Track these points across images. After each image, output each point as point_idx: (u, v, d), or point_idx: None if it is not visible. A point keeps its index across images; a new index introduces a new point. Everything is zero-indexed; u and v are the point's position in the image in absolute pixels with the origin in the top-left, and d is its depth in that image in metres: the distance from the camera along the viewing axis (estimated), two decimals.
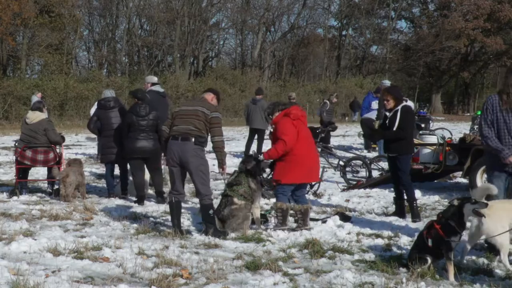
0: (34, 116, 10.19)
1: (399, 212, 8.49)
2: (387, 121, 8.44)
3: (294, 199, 7.71)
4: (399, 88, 9.25)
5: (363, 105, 17.86)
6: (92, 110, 16.38)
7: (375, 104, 17.79)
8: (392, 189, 10.47)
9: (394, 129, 8.21)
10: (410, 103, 9.53)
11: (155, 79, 11.78)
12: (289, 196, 7.68)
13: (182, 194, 7.48)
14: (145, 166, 9.74)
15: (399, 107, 8.29)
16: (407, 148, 8.34)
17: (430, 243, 5.68)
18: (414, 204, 8.33)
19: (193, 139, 7.20)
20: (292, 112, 7.54)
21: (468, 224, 5.95)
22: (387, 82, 17.22)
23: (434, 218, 6.05)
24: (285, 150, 7.39)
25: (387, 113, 8.47)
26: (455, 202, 5.76)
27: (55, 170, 10.00)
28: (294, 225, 7.68)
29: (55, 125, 11.08)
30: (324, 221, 7.96)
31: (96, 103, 17.66)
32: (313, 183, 10.69)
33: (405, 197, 8.43)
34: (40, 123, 10.13)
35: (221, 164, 7.44)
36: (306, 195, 10.13)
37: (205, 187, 7.32)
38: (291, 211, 7.70)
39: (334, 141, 21.42)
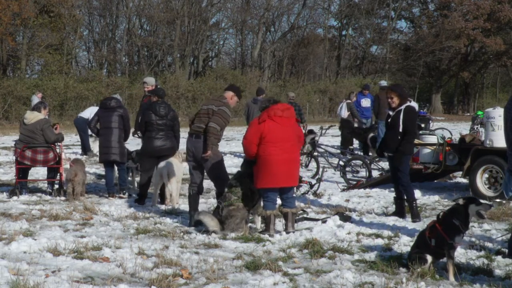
0: (32, 117, 10.18)
1: (399, 212, 8.48)
2: (389, 120, 8.42)
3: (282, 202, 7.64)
4: (402, 86, 9.23)
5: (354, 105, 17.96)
6: (86, 112, 16.64)
7: (364, 102, 17.85)
8: (392, 189, 10.49)
9: (400, 129, 8.19)
10: (414, 104, 9.50)
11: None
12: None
13: (200, 186, 8.03)
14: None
15: (403, 107, 8.27)
16: (407, 148, 8.33)
17: (433, 243, 5.68)
18: (414, 204, 8.32)
19: (203, 137, 7.79)
20: (264, 114, 7.34)
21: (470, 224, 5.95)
22: (383, 83, 17.19)
23: (435, 218, 6.04)
24: (246, 152, 7.42)
25: (390, 112, 8.45)
26: (461, 201, 5.75)
27: (66, 170, 10.05)
28: (280, 229, 7.61)
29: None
30: (324, 221, 7.95)
31: (90, 107, 18.00)
32: (313, 182, 10.70)
33: (405, 197, 8.42)
34: (38, 123, 10.12)
35: (205, 149, 7.70)
36: (306, 195, 10.17)
37: (219, 182, 7.95)
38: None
39: (334, 141, 21.39)
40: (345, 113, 17.76)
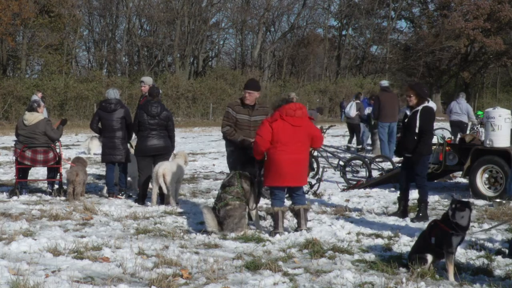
0: (32, 118, 10.15)
1: (402, 211, 8.44)
2: (405, 120, 8.39)
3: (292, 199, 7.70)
4: (422, 85, 9.00)
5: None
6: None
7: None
8: (393, 189, 10.49)
9: (416, 130, 8.14)
10: (432, 104, 9.35)
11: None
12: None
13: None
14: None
15: (420, 108, 8.20)
16: (424, 148, 8.24)
17: (433, 241, 5.67)
18: (423, 206, 8.26)
19: None
20: (276, 113, 7.36)
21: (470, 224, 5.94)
22: (385, 83, 17.22)
23: (434, 218, 6.04)
24: (256, 150, 7.41)
25: (408, 112, 8.40)
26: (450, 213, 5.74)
27: (67, 171, 10.02)
28: (288, 228, 7.62)
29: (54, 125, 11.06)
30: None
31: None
32: (313, 182, 10.70)
33: (417, 196, 8.41)
34: (39, 124, 10.11)
35: None
36: (306, 195, 10.16)
37: None
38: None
39: (334, 141, 21.41)
40: (353, 112, 17.89)
